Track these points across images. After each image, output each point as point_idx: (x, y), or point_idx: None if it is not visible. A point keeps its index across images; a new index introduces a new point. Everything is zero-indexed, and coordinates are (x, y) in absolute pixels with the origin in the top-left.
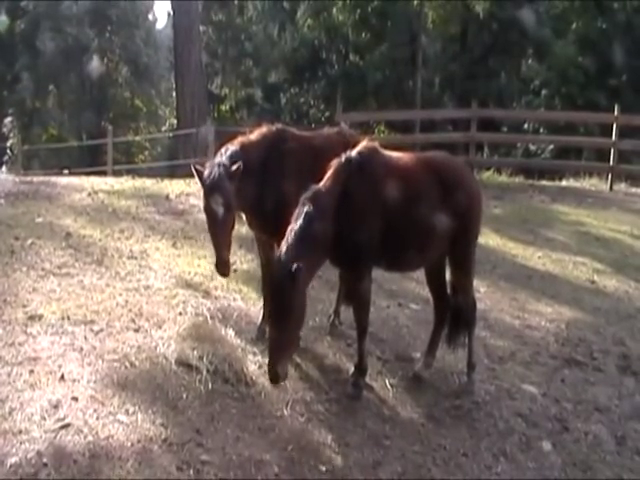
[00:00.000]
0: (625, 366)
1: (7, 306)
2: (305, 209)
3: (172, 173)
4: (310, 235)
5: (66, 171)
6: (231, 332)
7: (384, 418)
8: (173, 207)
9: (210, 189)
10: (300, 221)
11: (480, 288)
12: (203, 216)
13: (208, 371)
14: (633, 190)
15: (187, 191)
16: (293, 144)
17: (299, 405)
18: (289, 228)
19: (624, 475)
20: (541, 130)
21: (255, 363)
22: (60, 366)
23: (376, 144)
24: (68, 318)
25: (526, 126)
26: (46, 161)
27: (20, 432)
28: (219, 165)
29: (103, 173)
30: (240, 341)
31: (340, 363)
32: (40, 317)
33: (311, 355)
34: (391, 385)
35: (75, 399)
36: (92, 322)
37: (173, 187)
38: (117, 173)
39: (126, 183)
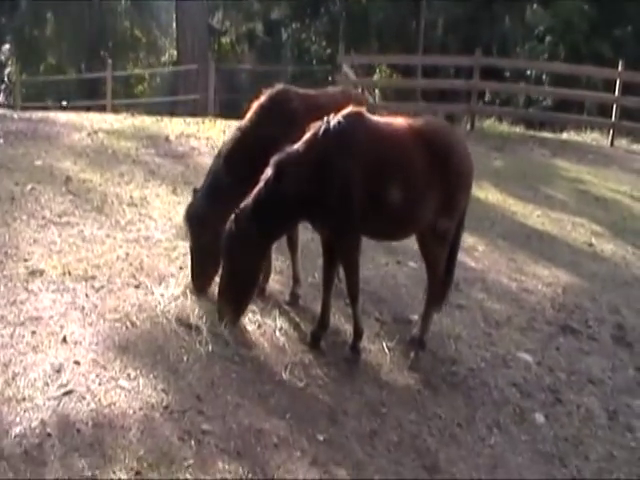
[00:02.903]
0: (619, 336)
1: (8, 260)
2: (270, 174)
3: (172, 110)
4: (268, 201)
5: (64, 103)
6: None
7: (381, 384)
8: (173, 149)
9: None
10: (262, 185)
11: (478, 247)
12: (203, 160)
13: (209, 332)
14: (634, 147)
15: (187, 132)
16: (296, 104)
17: (298, 369)
18: (255, 188)
19: (615, 452)
20: (544, 77)
21: (254, 322)
22: (62, 327)
23: (362, 110)
24: (69, 274)
25: (529, 72)
26: (44, 91)
27: (24, 399)
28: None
29: (102, 108)
30: None
31: (339, 324)
32: (41, 272)
33: (310, 315)
34: (388, 348)
35: (77, 363)
36: (93, 278)
37: (173, 127)
38: (116, 109)
39: (125, 121)
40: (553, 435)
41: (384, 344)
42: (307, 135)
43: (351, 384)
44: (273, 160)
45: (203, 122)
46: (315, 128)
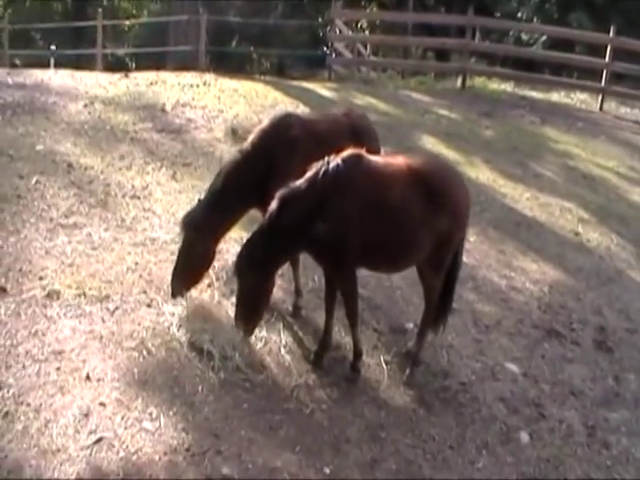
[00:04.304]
0: (601, 341)
1: (24, 278)
2: (274, 207)
3: (162, 61)
4: (270, 232)
5: (53, 47)
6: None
7: (380, 404)
8: (170, 122)
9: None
10: (267, 216)
11: (469, 237)
12: (199, 135)
13: (220, 355)
14: (623, 111)
15: (182, 100)
16: (297, 131)
17: (303, 392)
18: (263, 220)
19: (592, 472)
20: (535, 20)
21: (261, 340)
22: (84, 361)
23: (362, 151)
24: (84, 295)
25: (519, 15)
26: (32, 28)
27: (58, 450)
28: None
29: (92, 59)
30: None
31: (339, 337)
32: (57, 294)
33: (312, 328)
34: (386, 363)
35: (103, 405)
36: (107, 298)
37: (168, 94)
38: (107, 62)
39: (120, 84)
40: (536, 456)
41: (382, 358)
42: (309, 173)
43: (352, 406)
44: (278, 194)
45: (197, 85)
46: (316, 167)
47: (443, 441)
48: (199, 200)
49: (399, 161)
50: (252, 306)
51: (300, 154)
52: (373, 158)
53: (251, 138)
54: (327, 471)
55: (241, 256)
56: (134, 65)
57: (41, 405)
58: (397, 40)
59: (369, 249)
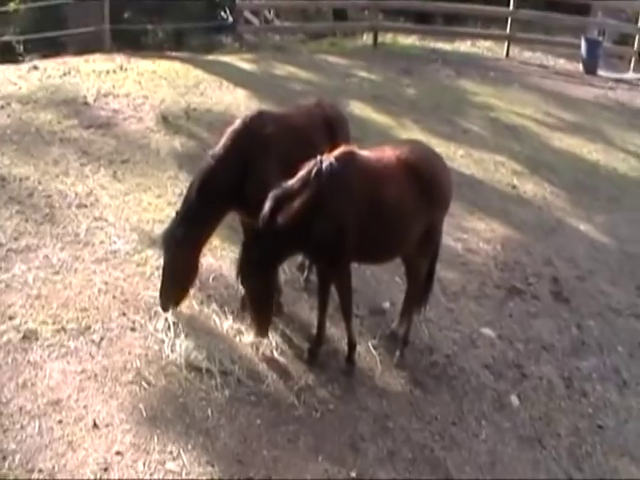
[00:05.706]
0: (557, 292)
1: None
2: (266, 208)
3: (57, 45)
4: (264, 233)
5: None
6: (215, 306)
7: (379, 393)
8: (96, 115)
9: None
10: (260, 217)
11: None
12: (130, 126)
13: (220, 373)
14: (527, 55)
15: (103, 90)
16: (271, 128)
17: (307, 395)
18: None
19: (578, 423)
20: None
21: (252, 345)
22: (86, 407)
23: (354, 148)
24: (64, 330)
25: None
26: None
27: None
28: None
29: None
30: (226, 319)
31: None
32: (34, 333)
33: (297, 324)
34: (374, 347)
35: (120, 454)
36: (88, 329)
37: (86, 84)
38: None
39: (31, 77)
40: (529, 417)
41: (369, 344)
42: (301, 173)
43: (356, 400)
44: (271, 195)
45: (114, 71)
46: (309, 167)
47: (445, 419)
48: (176, 213)
49: (388, 154)
50: (258, 305)
51: (276, 152)
52: (364, 154)
53: (222, 140)
54: (353, 474)
55: (241, 257)
56: (22, 49)
57: (54, 468)
58: (308, 4)
59: (366, 244)
